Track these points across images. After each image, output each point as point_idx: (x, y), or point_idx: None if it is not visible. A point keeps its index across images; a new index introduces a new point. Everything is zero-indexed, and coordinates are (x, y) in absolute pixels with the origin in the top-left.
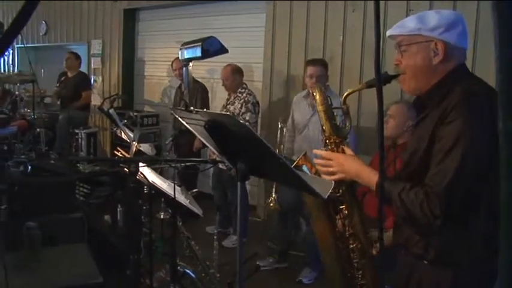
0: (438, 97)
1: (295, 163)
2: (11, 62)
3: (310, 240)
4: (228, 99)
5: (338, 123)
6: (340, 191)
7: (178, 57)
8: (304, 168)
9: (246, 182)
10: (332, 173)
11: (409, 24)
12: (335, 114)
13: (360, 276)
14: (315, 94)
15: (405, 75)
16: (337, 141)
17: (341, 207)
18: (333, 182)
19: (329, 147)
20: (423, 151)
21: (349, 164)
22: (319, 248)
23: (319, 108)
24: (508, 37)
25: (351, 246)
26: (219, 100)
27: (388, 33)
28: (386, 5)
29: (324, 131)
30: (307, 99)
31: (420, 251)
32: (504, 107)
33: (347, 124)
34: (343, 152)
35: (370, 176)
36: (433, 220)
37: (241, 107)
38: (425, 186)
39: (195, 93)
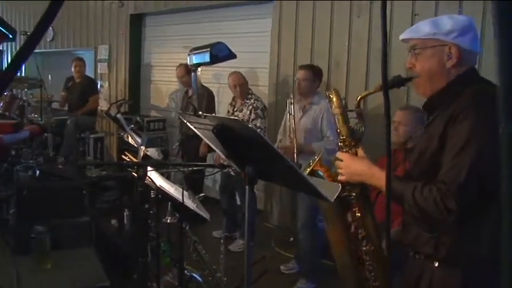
0: (448, 99)
1: (310, 168)
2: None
3: (306, 250)
4: (233, 106)
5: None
6: (354, 193)
7: (181, 64)
8: (320, 173)
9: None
10: (339, 174)
11: (423, 28)
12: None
13: (373, 278)
14: (332, 97)
15: (419, 79)
16: (352, 144)
17: (354, 209)
18: (340, 185)
19: (344, 150)
20: (433, 150)
21: (356, 166)
22: (333, 253)
23: (337, 111)
24: (510, 39)
25: (364, 248)
26: (224, 105)
27: (401, 36)
28: (392, 9)
29: (339, 133)
30: (299, 102)
31: (430, 250)
32: (504, 108)
33: (360, 127)
34: (356, 154)
35: (381, 177)
36: (447, 216)
37: (250, 114)
38: (438, 183)
39: (201, 98)
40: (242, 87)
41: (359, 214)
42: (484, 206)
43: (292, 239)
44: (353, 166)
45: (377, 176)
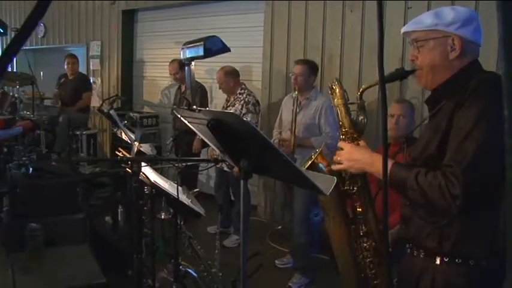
0: (453, 90)
1: (311, 161)
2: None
3: (301, 245)
4: (227, 101)
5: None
6: (355, 188)
7: (174, 60)
8: (321, 166)
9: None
10: (339, 163)
11: (425, 20)
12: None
13: (373, 275)
14: (334, 88)
15: (422, 71)
16: (355, 135)
17: (356, 204)
18: (335, 178)
19: (346, 141)
20: (440, 136)
21: (357, 154)
22: (333, 248)
23: (339, 102)
24: None
25: (365, 245)
26: (218, 100)
27: (403, 29)
28: (385, 3)
29: (341, 125)
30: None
31: (433, 244)
32: (509, 95)
33: (362, 119)
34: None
35: (381, 165)
36: (452, 202)
37: (241, 108)
38: (443, 168)
39: (195, 93)
40: (224, 84)
41: (360, 209)
42: (494, 194)
43: None
44: (354, 154)
45: (377, 164)
